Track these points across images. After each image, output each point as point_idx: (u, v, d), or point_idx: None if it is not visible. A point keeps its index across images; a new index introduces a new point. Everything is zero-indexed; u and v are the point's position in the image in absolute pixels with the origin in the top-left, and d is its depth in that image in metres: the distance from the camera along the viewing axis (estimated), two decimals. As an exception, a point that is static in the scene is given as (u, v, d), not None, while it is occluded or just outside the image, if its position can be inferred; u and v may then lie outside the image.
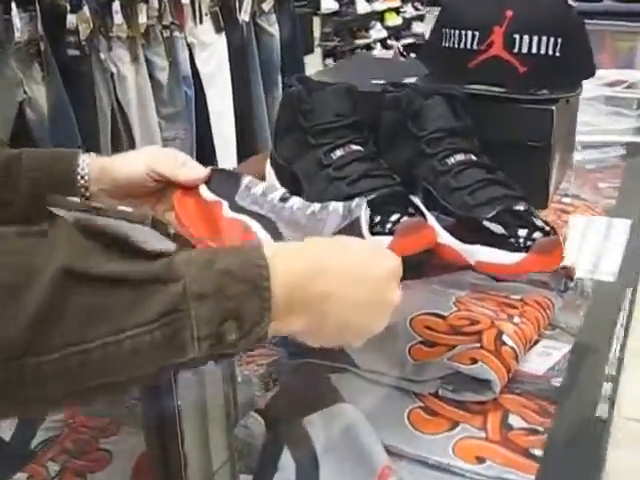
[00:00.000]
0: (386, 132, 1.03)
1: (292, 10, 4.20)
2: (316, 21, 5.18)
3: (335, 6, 5.52)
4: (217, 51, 3.67)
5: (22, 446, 0.90)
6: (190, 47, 3.53)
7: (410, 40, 6.51)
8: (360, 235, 0.84)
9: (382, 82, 1.15)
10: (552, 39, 1.04)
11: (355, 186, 0.94)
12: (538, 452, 0.80)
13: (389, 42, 6.18)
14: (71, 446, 0.90)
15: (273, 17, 4.03)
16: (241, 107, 3.96)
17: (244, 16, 3.79)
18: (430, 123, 0.98)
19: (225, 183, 0.94)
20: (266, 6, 3.94)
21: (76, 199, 0.83)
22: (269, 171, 1.13)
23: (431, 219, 0.95)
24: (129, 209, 0.81)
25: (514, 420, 0.86)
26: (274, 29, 4.03)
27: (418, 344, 0.97)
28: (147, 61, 3.24)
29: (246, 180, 0.94)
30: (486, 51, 1.06)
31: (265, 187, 0.93)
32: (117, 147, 3.11)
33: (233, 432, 0.99)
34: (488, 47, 1.06)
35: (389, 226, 0.90)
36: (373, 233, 0.90)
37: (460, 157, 0.96)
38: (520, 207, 0.92)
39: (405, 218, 0.90)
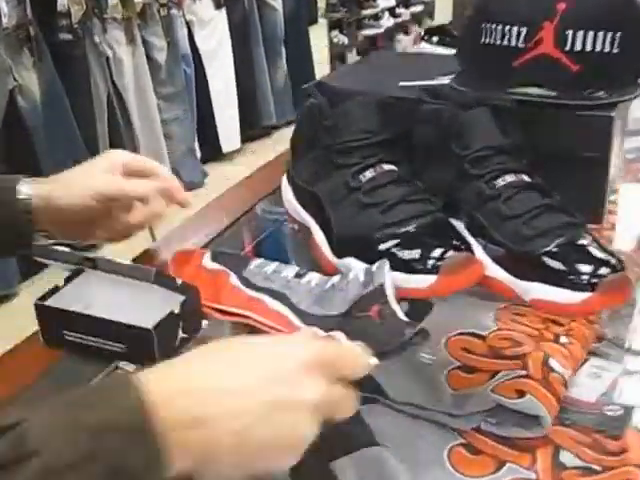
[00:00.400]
0: (422, 150, 0.89)
1: (296, -19, 4.06)
2: (321, -9, 5.02)
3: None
4: (217, 28, 3.54)
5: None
6: (189, 25, 3.39)
7: (420, 8, 6.30)
8: (385, 303, 0.75)
9: (412, 84, 1.02)
10: (610, 34, 0.90)
11: (390, 214, 0.82)
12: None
13: (397, 10, 5.97)
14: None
15: (276, -10, 3.89)
16: (244, 84, 3.85)
17: (245, -9, 3.65)
18: (474, 140, 0.84)
19: (232, 260, 0.86)
20: (269, -21, 3.80)
21: (66, 249, 0.71)
22: (285, 188, 1.00)
23: (479, 251, 0.82)
24: (129, 263, 0.69)
25: (566, 458, 0.76)
26: (277, 3, 3.89)
27: (456, 370, 0.87)
28: (144, 42, 3.11)
29: (256, 261, 0.85)
30: (534, 49, 0.92)
31: (277, 265, 0.84)
32: (115, 133, 3.00)
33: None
34: (536, 44, 0.92)
35: (431, 262, 0.78)
36: (412, 271, 0.78)
37: (510, 178, 0.83)
38: (584, 240, 0.79)
39: (450, 253, 0.78)
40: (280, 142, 4.15)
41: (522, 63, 0.94)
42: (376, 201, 0.83)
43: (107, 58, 2.93)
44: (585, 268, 0.78)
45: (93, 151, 2.86)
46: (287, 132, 4.24)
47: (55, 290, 0.75)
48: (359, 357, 0.59)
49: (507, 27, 0.93)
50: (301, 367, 0.54)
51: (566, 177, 0.88)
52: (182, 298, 0.71)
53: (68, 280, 0.75)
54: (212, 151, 3.89)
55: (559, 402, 0.78)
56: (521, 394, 0.78)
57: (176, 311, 0.70)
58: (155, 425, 0.47)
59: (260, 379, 0.53)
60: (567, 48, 0.91)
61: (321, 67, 4.52)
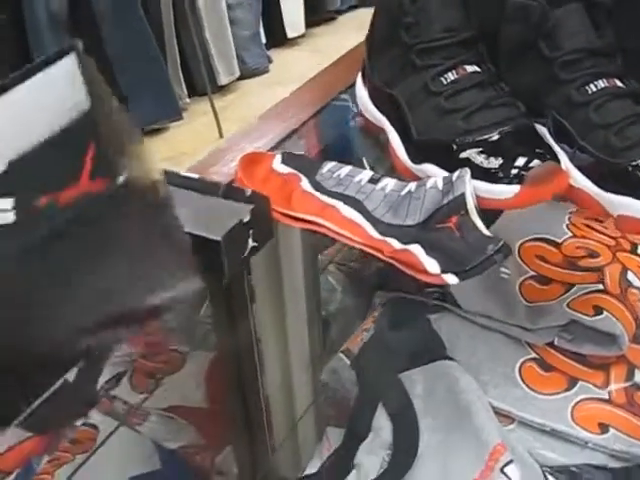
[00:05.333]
0: (507, 50, 0.84)
1: None
2: None
3: None
4: None
5: (88, 386, 0.83)
6: None
7: None
8: (466, 214, 0.72)
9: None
10: None
11: (472, 121, 0.78)
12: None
13: None
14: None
15: None
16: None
17: None
18: (566, 41, 0.79)
19: (303, 163, 0.82)
20: None
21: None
22: (360, 87, 0.96)
23: (564, 159, 0.78)
24: (196, 176, 0.67)
25: (641, 378, 0.76)
26: None
27: (529, 280, 0.86)
28: None
29: (329, 165, 0.81)
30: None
31: (350, 170, 0.80)
32: (180, 17, 2.93)
33: (320, 376, 0.91)
34: None
35: (515, 172, 0.74)
36: (494, 180, 0.75)
37: (603, 84, 0.78)
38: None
39: (535, 162, 0.74)
40: (344, 26, 4.07)
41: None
42: (457, 107, 0.79)
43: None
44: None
45: (158, 35, 2.86)
46: (351, 16, 4.17)
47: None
48: None
49: None
50: None
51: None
52: (251, 206, 0.69)
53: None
54: (277, 36, 3.82)
55: (636, 319, 0.77)
56: (599, 311, 0.77)
57: (245, 220, 0.69)
58: None
59: None
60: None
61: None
